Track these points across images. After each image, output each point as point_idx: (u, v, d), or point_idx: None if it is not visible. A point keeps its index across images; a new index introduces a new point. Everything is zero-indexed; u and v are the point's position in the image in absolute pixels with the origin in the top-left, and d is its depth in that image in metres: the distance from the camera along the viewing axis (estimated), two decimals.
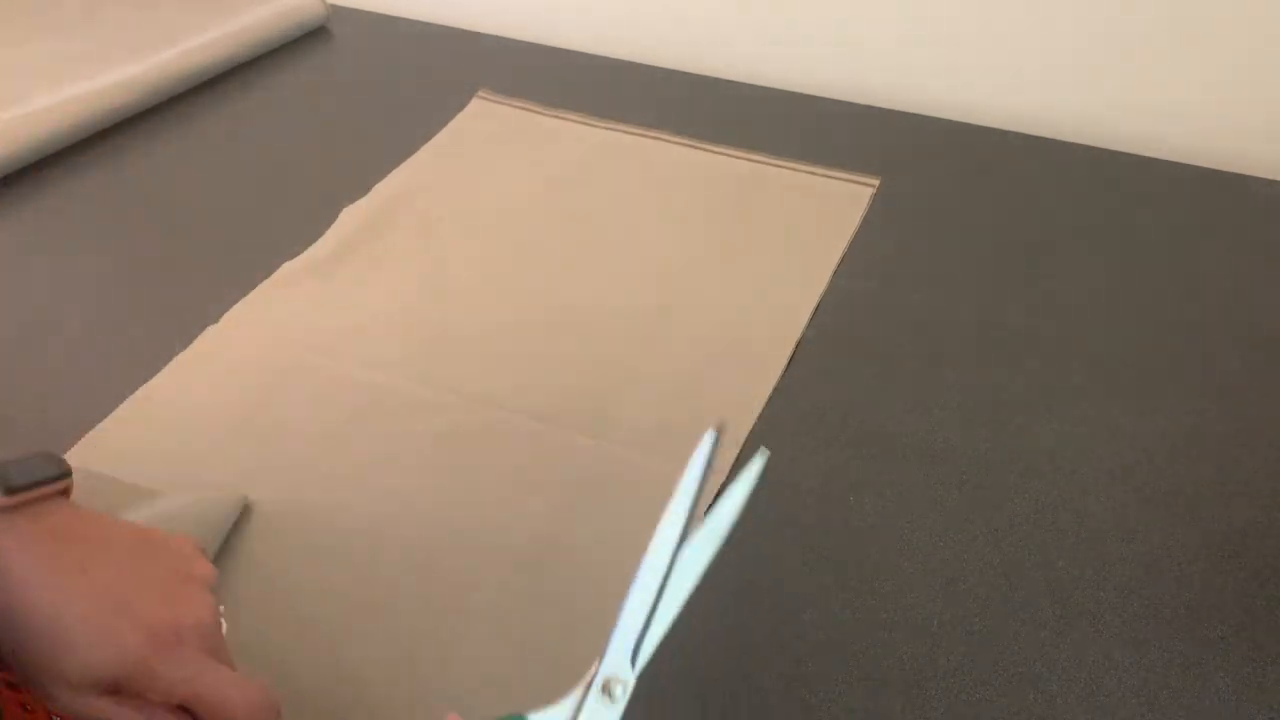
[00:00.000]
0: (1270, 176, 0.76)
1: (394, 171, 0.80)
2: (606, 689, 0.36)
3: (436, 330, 0.65)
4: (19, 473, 0.34)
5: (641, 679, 0.45)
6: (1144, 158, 0.79)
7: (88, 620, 0.33)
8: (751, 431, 0.58)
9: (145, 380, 0.60)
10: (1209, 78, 0.79)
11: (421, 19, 1.03)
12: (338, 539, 0.52)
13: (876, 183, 0.78)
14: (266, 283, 0.68)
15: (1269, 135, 0.79)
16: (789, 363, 0.62)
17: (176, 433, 0.58)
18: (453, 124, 0.87)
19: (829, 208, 0.75)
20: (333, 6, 1.03)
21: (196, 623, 0.36)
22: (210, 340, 0.64)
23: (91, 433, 0.57)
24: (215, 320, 0.65)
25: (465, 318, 0.66)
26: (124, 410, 0.59)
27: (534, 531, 0.52)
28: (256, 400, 0.60)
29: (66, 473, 0.36)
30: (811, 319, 0.65)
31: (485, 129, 0.86)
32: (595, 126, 0.85)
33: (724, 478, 0.55)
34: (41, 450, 0.36)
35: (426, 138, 0.84)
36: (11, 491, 0.34)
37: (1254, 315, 0.64)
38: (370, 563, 0.51)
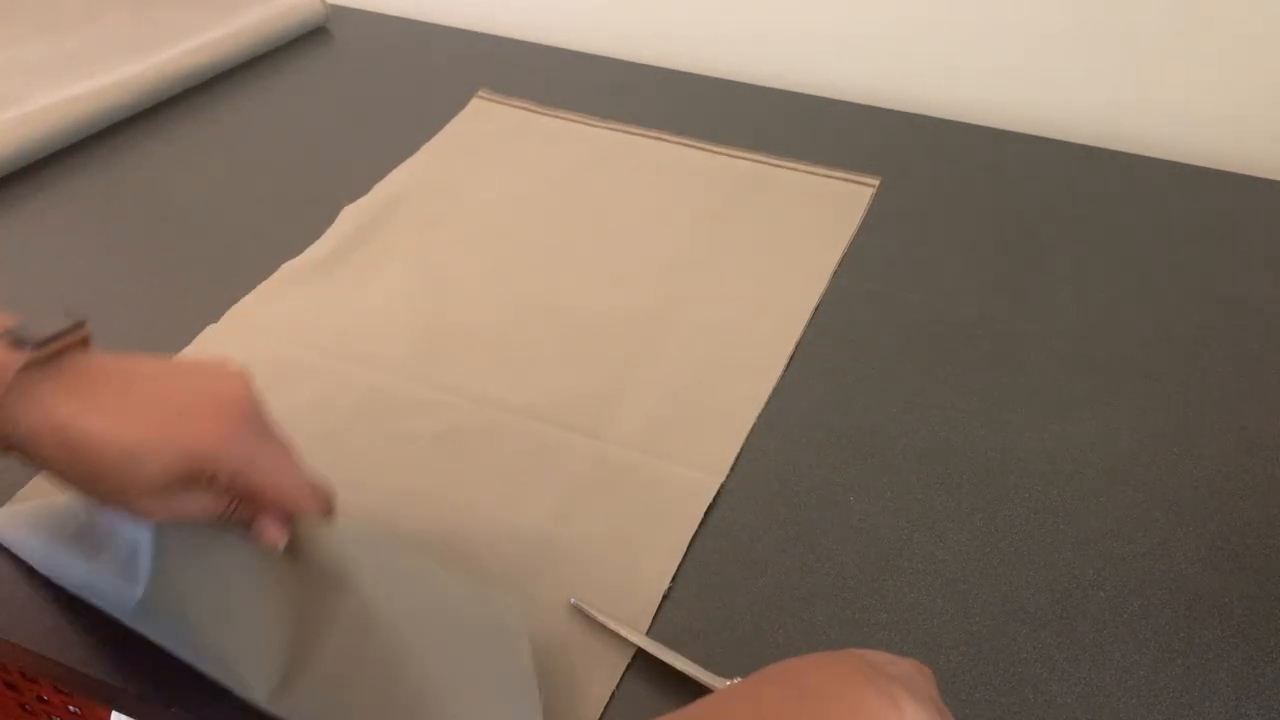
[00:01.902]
0: (1271, 177, 0.76)
1: (394, 171, 0.80)
2: None
3: (436, 329, 0.65)
4: (40, 328, 0.37)
5: (636, 683, 0.44)
6: (1144, 158, 0.79)
7: (146, 432, 0.37)
8: (751, 431, 0.58)
9: None
10: (1210, 78, 0.79)
11: (421, 19, 1.03)
12: None
13: (876, 183, 0.78)
14: (266, 282, 0.68)
15: (1270, 135, 0.79)
16: (789, 363, 0.62)
17: None
18: (453, 124, 0.87)
19: (829, 208, 0.75)
20: (333, 6, 1.03)
21: (241, 405, 0.39)
22: (210, 339, 0.64)
23: None
24: (215, 320, 0.65)
25: (465, 317, 0.66)
26: None
27: (534, 529, 0.52)
28: None
29: (83, 323, 0.38)
30: (811, 319, 0.65)
31: (485, 129, 0.86)
32: (595, 126, 0.85)
33: (722, 478, 0.55)
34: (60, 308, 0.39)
35: (426, 138, 0.84)
36: (39, 346, 0.36)
37: (1254, 316, 0.64)
38: None
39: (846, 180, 0.78)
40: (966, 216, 0.74)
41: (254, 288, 0.68)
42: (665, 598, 0.49)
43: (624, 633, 0.46)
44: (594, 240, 0.72)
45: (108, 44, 0.93)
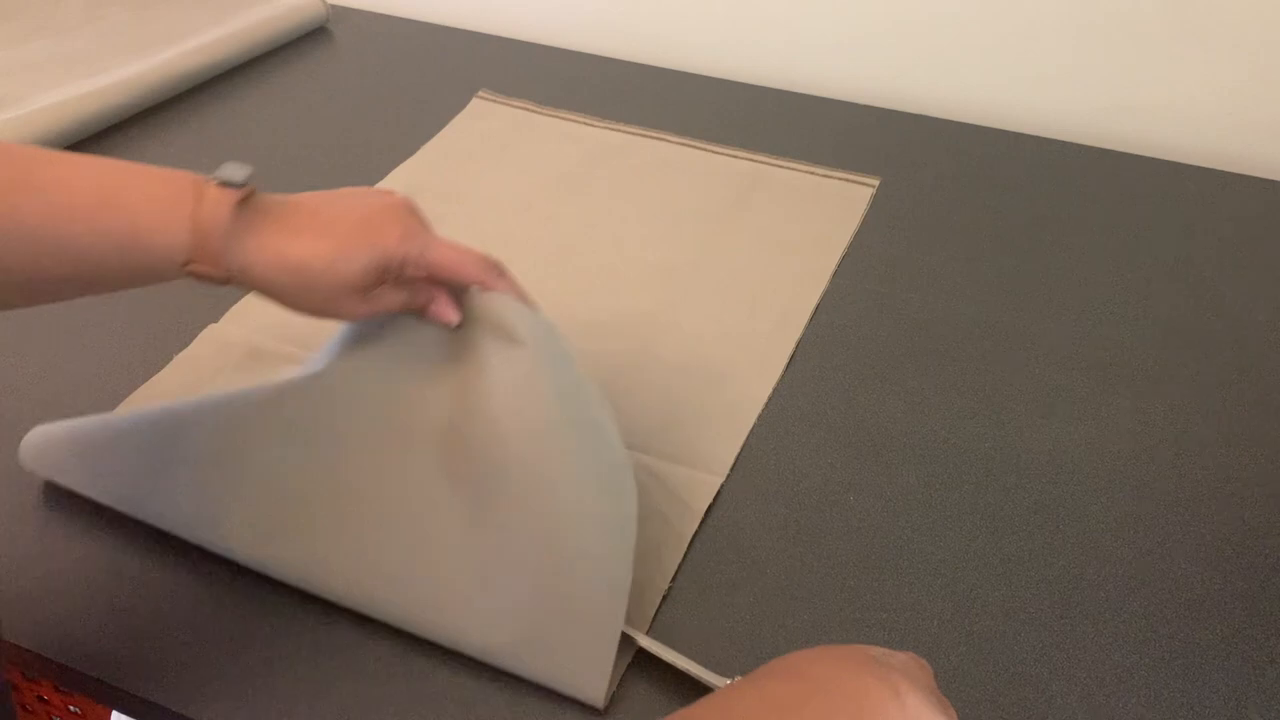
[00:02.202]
0: (1270, 176, 0.76)
1: (394, 171, 0.80)
2: None
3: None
4: (231, 173, 0.44)
5: (636, 682, 0.44)
6: (1144, 158, 0.79)
7: (342, 244, 0.44)
8: (751, 431, 0.58)
9: (146, 378, 0.60)
10: (1209, 77, 0.79)
11: (421, 19, 1.03)
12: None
13: (876, 183, 0.78)
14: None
15: (1269, 135, 0.79)
16: (789, 363, 0.62)
17: None
18: (453, 124, 0.87)
19: (829, 208, 0.75)
20: (333, 6, 1.03)
21: (408, 208, 0.48)
22: (211, 338, 0.64)
23: None
24: (216, 320, 0.65)
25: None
26: (125, 408, 0.59)
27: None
28: None
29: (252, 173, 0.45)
30: (811, 319, 0.65)
31: (485, 129, 0.86)
32: (595, 126, 0.85)
33: (722, 479, 0.55)
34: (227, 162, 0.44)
35: (426, 138, 0.84)
36: (239, 187, 0.43)
37: (1253, 315, 0.64)
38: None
39: (846, 180, 0.78)
40: (966, 216, 0.74)
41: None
42: (665, 598, 0.49)
43: (625, 632, 0.46)
44: (594, 240, 0.72)
45: (108, 44, 0.93)
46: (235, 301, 0.66)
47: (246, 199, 0.44)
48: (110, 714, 0.52)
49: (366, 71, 0.95)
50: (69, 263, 0.42)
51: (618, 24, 0.98)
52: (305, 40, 0.99)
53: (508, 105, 0.89)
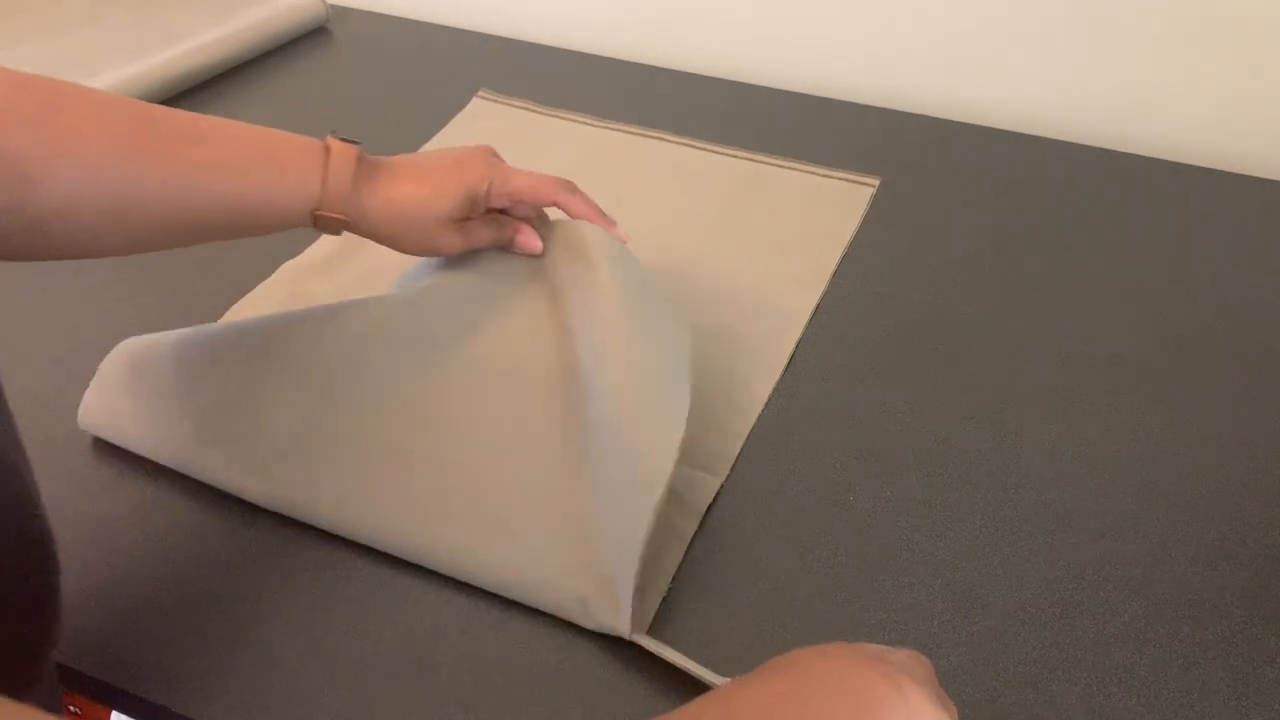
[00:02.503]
0: (1270, 176, 0.76)
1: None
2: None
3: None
4: (344, 133, 0.52)
5: (636, 682, 0.44)
6: (1144, 158, 0.79)
7: (435, 185, 0.53)
8: (752, 431, 0.58)
9: None
10: (1209, 78, 0.79)
11: (421, 19, 1.03)
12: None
13: (876, 183, 0.78)
14: (267, 282, 0.68)
15: (1269, 135, 0.79)
16: (789, 363, 0.62)
17: None
18: (453, 124, 0.87)
19: (829, 208, 0.75)
20: (333, 6, 1.03)
21: (488, 150, 0.57)
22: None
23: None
24: (216, 320, 0.65)
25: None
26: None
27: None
28: None
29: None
30: (811, 319, 0.65)
31: (485, 129, 0.86)
32: (595, 126, 0.85)
33: (721, 479, 0.55)
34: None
35: (427, 138, 0.84)
36: (355, 144, 0.52)
37: (1254, 315, 0.64)
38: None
39: (846, 180, 0.78)
40: (966, 216, 0.74)
41: (254, 287, 0.68)
42: (665, 598, 0.49)
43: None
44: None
45: (108, 44, 0.93)
46: (235, 302, 0.66)
47: (360, 155, 0.51)
48: (110, 714, 0.52)
49: (366, 71, 0.95)
50: (227, 210, 0.48)
51: (618, 24, 0.98)
52: (305, 40, 0.99)
53: (508, 105, 0.89)
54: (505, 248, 0.59)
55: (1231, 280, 0.67)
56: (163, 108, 0.48)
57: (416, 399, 0.55)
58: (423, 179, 0.53)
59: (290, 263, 0.70)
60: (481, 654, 0.47)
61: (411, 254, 0.56)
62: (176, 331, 0.57)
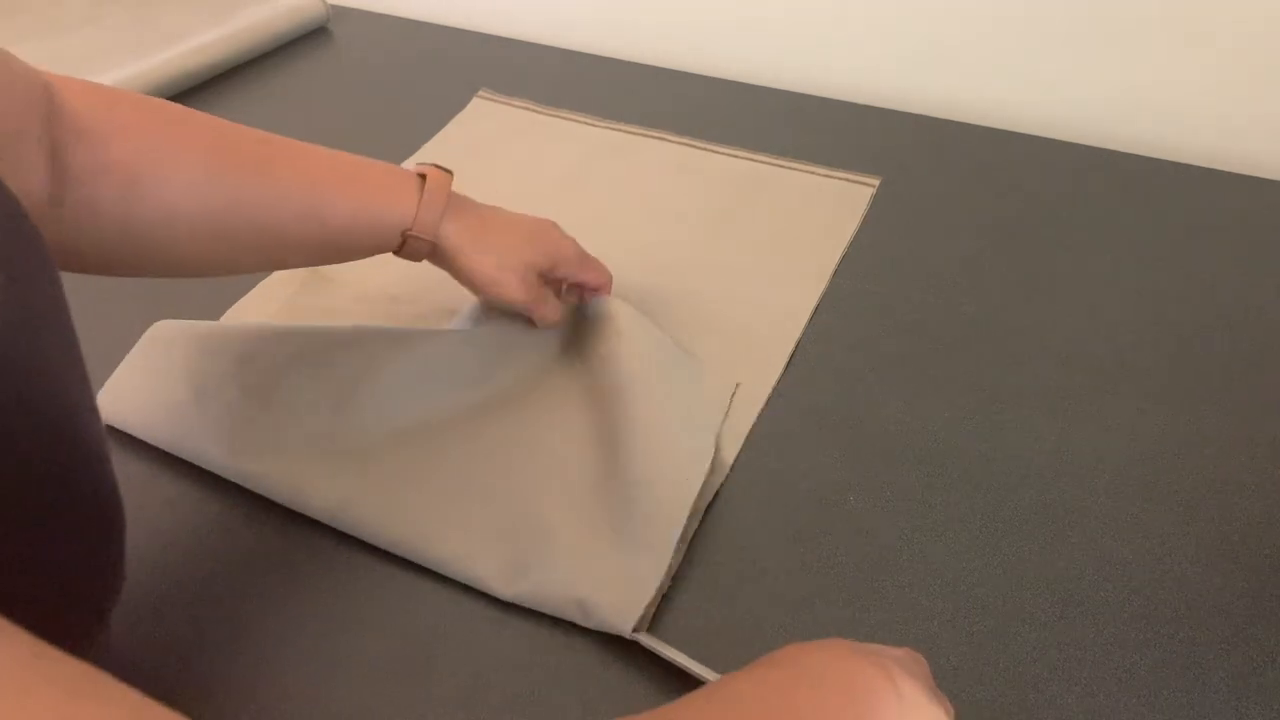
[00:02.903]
0: (1270, 177, 0.76)
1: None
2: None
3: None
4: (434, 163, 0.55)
5: (636, 682, 0.44)
6: (1144, 158, 0.79)
7: (501, 262, 0.56)
8: (751, 431, 0.58)
9: None
10: (1209, 78, 0.79)
11: (421, 19, 1.03)
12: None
13: (876, 183, 0.78)
14: (267, 280, 0.68)
15: (1269, 135, 0.79)
16: (789, 363, 0.62)
17: None
18: (453, 123, 0.87)
19: (829, 208, 0.75)
20: (333, 6, 1.03)
21: (560, 230, 0.60)
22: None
23: None
24: (216, 318, 0.65)
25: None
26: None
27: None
28: None
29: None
30: (811, 319, 0.65)
31: (485, 128, 0.86)
32: (595, 126, 0.86)
33: (721, 479, 0.55)
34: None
35: (426, 137, 0.84)
36: (448, 173, 0.55)
37: (1254, 315, 0.64)
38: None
39: (846, 180, 0.78)
40: (966, 216, 0.74)
41: (255, 286, 0.68)
42: (665, 598, 0.49)
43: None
44: (593, 239, 0.72)
45: (108, 44, 0.93)
46: (234, 302, 0.66)
47: (451, 185, 0.54)
48: None
49: (366, 71, 0.95)
50: (319, 225, 0.50)
51: (618, 24, 0.98)
52: (305, 40, 0.99)
53: (508, 105, 0.89)
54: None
55: (1231, 280, 0.67)
56: (247, 128, 0.50)
57: (435, 416, 0.57)
58: (511, 223, 0.57)
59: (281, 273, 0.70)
60: (481, 654, 0.47)
61: (480, 288, 0.56)
62: (207, 323, 0.59)
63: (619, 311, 0.60)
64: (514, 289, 0.56)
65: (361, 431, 0.55)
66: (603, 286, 0.62)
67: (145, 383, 0.57)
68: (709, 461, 0.53)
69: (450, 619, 0.48)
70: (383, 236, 0.52)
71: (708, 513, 0.53)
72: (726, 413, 0.58)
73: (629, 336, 0.58)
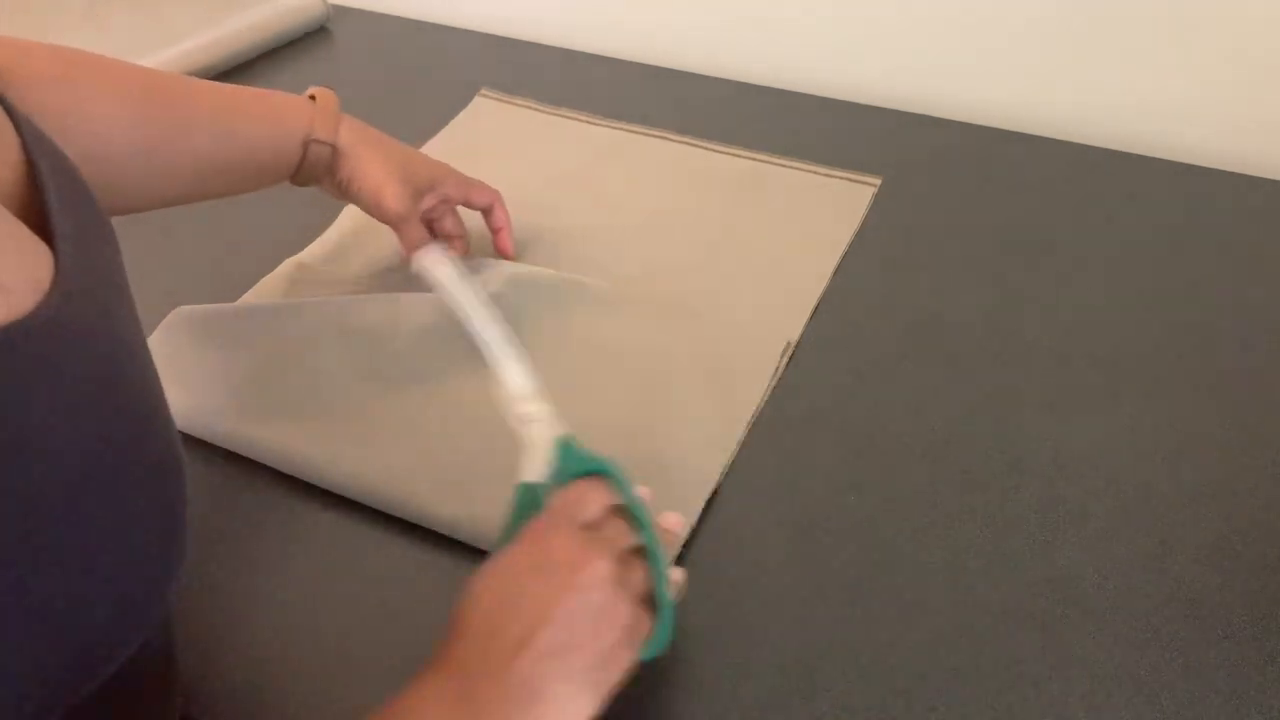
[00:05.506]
0: (1270, 176, 0.76)
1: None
2: (524, 419, 0.46)
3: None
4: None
5: (636, 681, 0.45)
6: (1144, 158, 0.79)
7: (397, 160, 0.62)
8: (752, 431, 0.58)
9: None
10: (1209, 77, 0.79)
11: (421, 19, 1.03)
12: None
13: (878, 182, 0.77)
14: (268, 278, 0.69)
15: (1269, 135, 0.79)
16: (789, 362, 0.62)
17: None
18: (454, 123, 0.87)
19: (830, 207, 0.75)
20: (333, 6, 1.03)
21: (452, 171, 0.66)
22: None
23: None
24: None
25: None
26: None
27: None
28: None
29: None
30: (812, 318, 0.65)
31: (486, 128, 0.86)
32: (596, 125, 0.86)
33: (720, 478, 0.55)
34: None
35: (427, 137, 0.84)
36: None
37: (1253, 315, 0.64)
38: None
39: (847, 180, 0.78)
40: (966, 216, 0.74)
41: (255, 284, 0.68)
42: None
43: None
44: (594, 239, 0.72)
45: (108, 44, 0.93)
46: (237, 299, 0.66)
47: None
48: None
49: (366, 71, 0.95)
50: (230, 147, 0.56)
51: (618, 24, 0.98)
52: (305, 40, 0.99)
53: (510, 104, 0.89)
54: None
55: (1231, 280, 0.67)
56: (154, 69, 0.55)
57: (450, 388, 0.59)
58: (381, 162, 0.61)
59: (292, 259, 0.70)
60: None
61: (366, 190, 0.61)
62: (230, 305, 0.64)
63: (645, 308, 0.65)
64: (395, 198, 0.61)
65: (387, 400, 0.58)
66: (493, 204, 0.67)
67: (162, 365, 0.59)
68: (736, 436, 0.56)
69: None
70: (287, 150, 0.58)
71: (707, 512, 0.53)
72: (778, 371, 0.61)
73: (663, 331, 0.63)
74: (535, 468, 0.44)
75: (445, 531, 0.52)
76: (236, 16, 0.95)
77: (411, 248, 0.63)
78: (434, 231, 0.67)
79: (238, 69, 0.93)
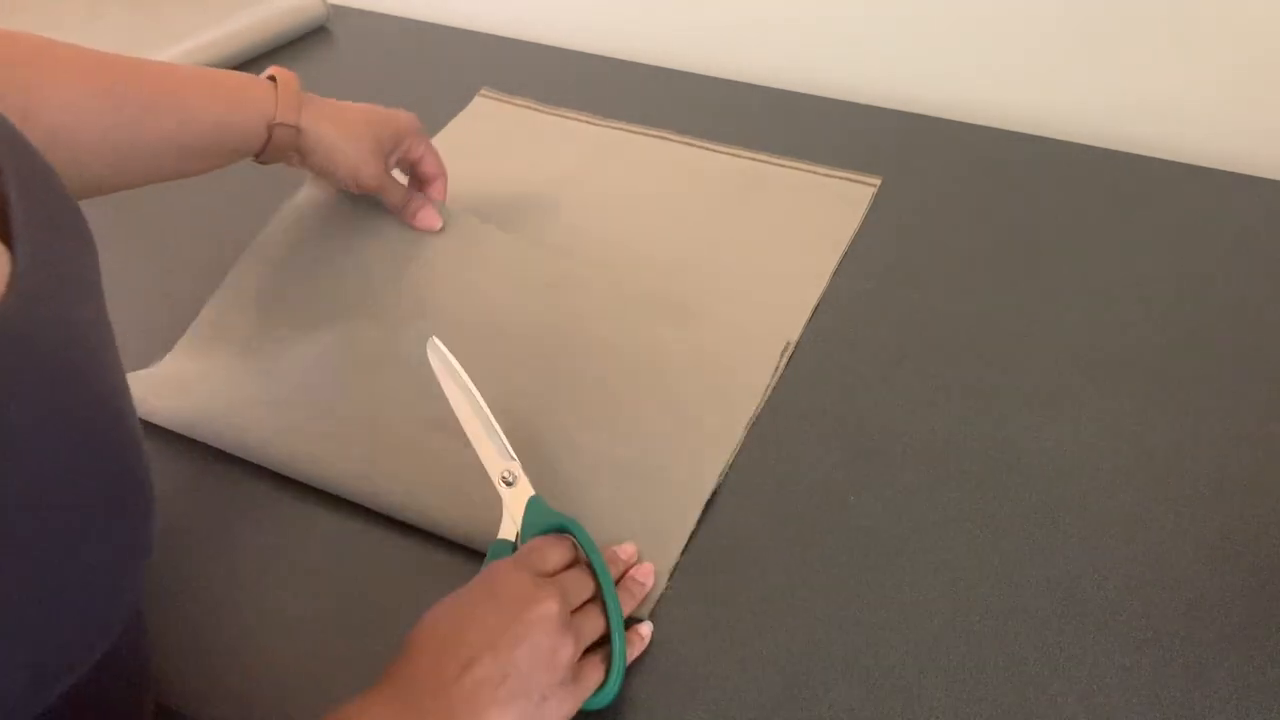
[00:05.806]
0: (1270, 176, 0.76)
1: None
2: (505, 479, 0.50)
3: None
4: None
5: (636, 682, 0.45)
6: (1144, 158, 0.79)
7: (363, 131, 0.63)
8: (751, 431, 0.58)
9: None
10: (1209, 77, 0.79)
11: (421, 19, 1.03)
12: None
13: (877, 182, 0.77)
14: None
15: (1269, 135, 0.79)
16: (789, 363, 0.62)
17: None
18: (454, 122, 0.87)
19: (829, 207, 0.75)
20: (333, 6, 1.03)
21: (410, 118, 0.67)
22: None
23: None
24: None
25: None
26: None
27: None
28: None
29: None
30: (811, 319, 0.65)
31: (487, 128, 0.86)
32: (596, 125, 0.85)
33: (719, 478, 0.55)
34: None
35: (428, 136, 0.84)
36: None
37: (1254, 315, 0.64)
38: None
39: (846, 180, 0.78)
40: (966, 216, 0.74)
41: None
42: (665, 597, 0.49)
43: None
44: (594, 239, 0.72)
45: (108, 44, 0.93)
46: None
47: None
48: None
49: (366, 71, 0.95)
50: (199, 128, 0.56)
51: (618, 24, 0.98)
52: (305, 40, 0.99)
53: (510, 104, 0.89)
54: (406, 219, 0.68)
55: (1231, 280, 0.67)
56: (111, 53, 0.55)
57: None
58: (343, 128, 0.62)
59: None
60: None
61: (342, 167, 0.62)
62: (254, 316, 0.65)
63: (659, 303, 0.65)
64: (372, 174, 0.62)
65: (383, 400, 0.58)
66: (437, 178, 0.69)
67: (189, 366, 0.61)
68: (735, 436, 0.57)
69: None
70: (252, 132, 0.58)
71: (708, 512, 0.53)
72: (777, 370, 0.61)
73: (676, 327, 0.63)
74: (508, 526, 0.48)
75: (439, 532, 0.52)
76: (236, 16, 0.95)
77: (396, 208, 0.66)
78: (416, 174, 0.69)
79: (238, 69, 0.93)
